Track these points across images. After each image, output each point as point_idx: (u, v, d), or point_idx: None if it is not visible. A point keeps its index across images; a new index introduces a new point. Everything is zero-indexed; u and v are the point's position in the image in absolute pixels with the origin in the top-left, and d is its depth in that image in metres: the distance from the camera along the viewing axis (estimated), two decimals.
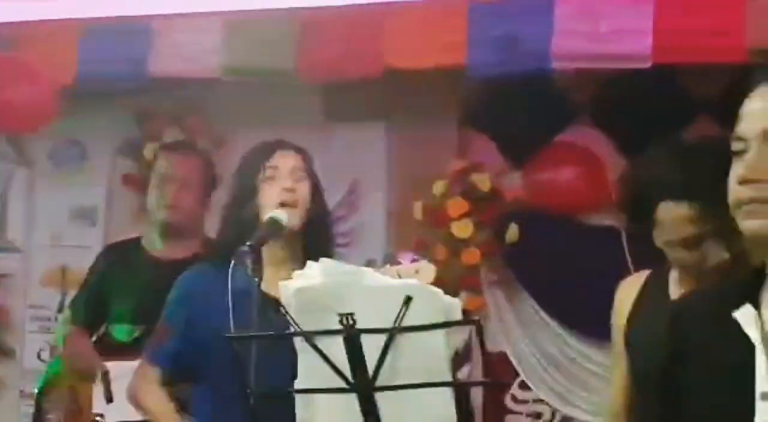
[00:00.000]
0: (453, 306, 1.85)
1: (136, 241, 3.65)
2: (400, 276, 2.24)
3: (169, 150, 3.71)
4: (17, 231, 4.96)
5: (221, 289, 2.40)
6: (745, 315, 1.48)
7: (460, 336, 1.86)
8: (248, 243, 2.29)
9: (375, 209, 4.58)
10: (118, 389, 3.39)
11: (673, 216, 2.46)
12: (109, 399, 3.41)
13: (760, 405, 1.41)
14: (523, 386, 4.41)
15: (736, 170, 1.49)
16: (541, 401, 4.36)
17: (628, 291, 2.72)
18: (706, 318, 1.57)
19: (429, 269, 2.47)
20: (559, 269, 4.31)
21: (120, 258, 3.61)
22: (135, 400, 2.77)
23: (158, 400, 2.72)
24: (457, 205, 4.38)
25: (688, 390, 1.56)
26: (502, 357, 4.43)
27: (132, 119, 4.78)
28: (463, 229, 4.37)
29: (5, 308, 4.90)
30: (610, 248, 4.09)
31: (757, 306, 1.49)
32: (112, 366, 3.44)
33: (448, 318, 1.83)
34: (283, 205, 2.59)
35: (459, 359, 4.10)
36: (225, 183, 3.00)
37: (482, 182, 4.40)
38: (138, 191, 4.78)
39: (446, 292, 1.96)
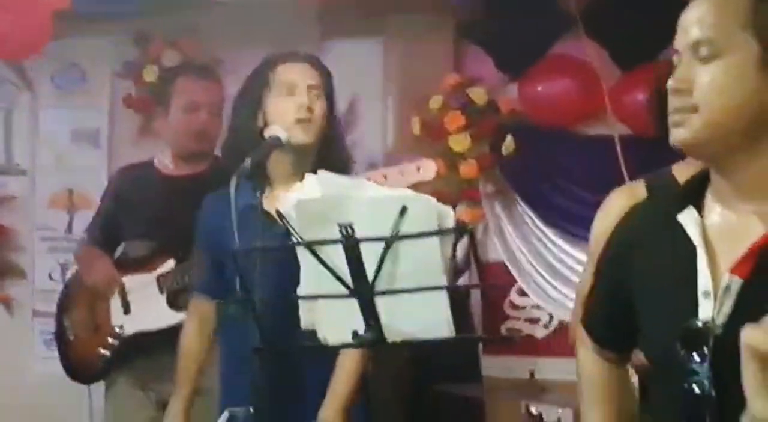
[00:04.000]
0: (446, 214, 1.93)
1: (149, 163, 3.70)
2: (402, 174, 2.31)
3: (192, 75, 3.68)
4: (23, 155, 5.02)
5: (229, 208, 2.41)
6: (688, 218, 1.54)
7: (452, 242, 1.93)
8: (248, 160, 2.35)
9: (373, 125, 4.63)
10: (134, 301, 3.52)
11: None
12: (127, 310, 3.51)
13: (702, 301, 1.48)
14: (521, 293, 4.52)
15: (669, 80, 1.53)
16: (538, 307, 4.48)
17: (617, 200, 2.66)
18: (654, 221, 1.62)
19: (430, 166, 2.48)
20: (555, 179, 4.40)
21: (133, 179, 3.67)
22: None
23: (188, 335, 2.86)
24: (454, 119, 4.43)
25: (638, 290, 1.62)
26: (501, 266, 4.54)
27: (130, 41, 4.82)
28: (460, 143, 4.43)
29: (14, 229, 4.98)
30: (605, 158, 4.16)
31: (699, 210, 1.55)
32: (127, 279, 3.53)
33: (442, 225, 1.91)
34: (299, 122, 2.58)
35: (459, 267, 4.21)
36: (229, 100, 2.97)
37: (479, 95, 4.45)
38: (140, 112, 4.84)
39: (445, 205, 2.03)
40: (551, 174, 4.42)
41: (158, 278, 3.46)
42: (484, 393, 4.10)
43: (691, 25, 1.53)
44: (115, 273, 3.53)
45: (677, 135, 1.52)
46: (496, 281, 4.48)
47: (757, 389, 1.18)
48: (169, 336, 3.07)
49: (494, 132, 4.45)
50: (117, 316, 3.54)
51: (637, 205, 1.76)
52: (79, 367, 3.64)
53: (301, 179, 2.13)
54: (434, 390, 3.93)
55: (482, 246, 4.62)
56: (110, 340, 3.53)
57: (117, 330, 3.52)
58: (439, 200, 2.00)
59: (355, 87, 4.53)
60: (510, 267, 4.51)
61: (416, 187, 2.37)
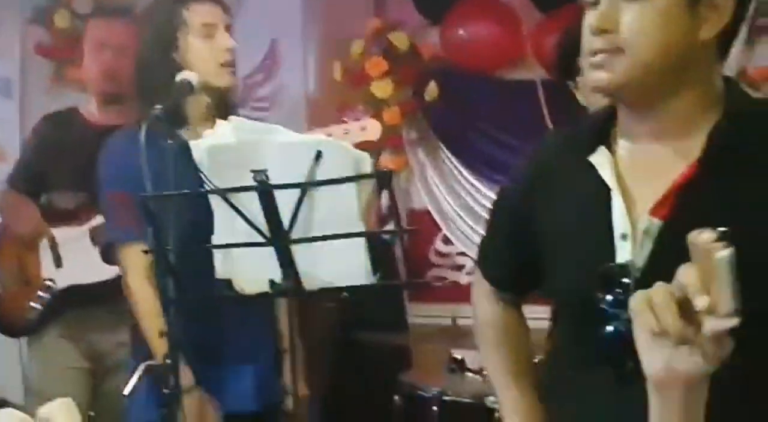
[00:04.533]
0: (362, 160, 1.89)
1: (73, 110, 3.59)
2: (347, 133, 2.25)
3: (102, 17, 3.58)
4: None
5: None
6: (600, 159, 1.50)
7: (370, 188, 1.89)
8: (159, 106, 2.26)
9: (294, 71, 4.55)
10: (66, 254, 3.43)
11: None
12: (59, 264, 3.43)
13: (619, 244, 1.45)
14: (446, 240, 4.51)
15: (589, 19, 1.47)
16: (463, 254, 4.48)
17: None
18: (563, 162, 1.58)
19: (375, 126, 2.46)
20: (478, 124, 4.38)
21: (56, 127, 3.55)
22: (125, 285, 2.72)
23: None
24: (375, 64, 4.38)
25: (546, 232, 1.58)
26: (426, 213, 4.52)
27: None
28: (383, 88, 4.39)
29: None
30: (527, 102, 4.15)
31: (610, 149, 1.51)
32: (57, 232, 3.44)
33: (358, 171, 1.87)
34: (223, 65, 2.52)
35: (385, 216, 4.19)
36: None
37: (400, 40, 4.39)
38: (53, 60, 4.69)
39: (369, 152, 1.99)
40: (474, 119, 4.40)
41: (90, 231, 3.37)
42: (410, 341, 4.11)
43: None
44: (42, 221, 3.43)
45: (599, 78, 1.46)
46: (421, 228, 4.46)
47: (643, 347, 1.17)
48: (103, 289, 3.05)
49: (417, 78, 4.41)
50: (48, 270, 3.45)
51: (544, 148, 1.71)
52: (9, 321, 3.56)
53: (170, 134, 2.08)
54: (360, 339, 3.92)
55: (406, 194, 4.61)
56: (41, 294, 3.45)
57: (48, 283, 3.43)
58: (362, 147, 1.96)
59: (274, 30, 4.45)
60: (435, 214, 4.50)
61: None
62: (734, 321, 1.09)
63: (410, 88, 4.44)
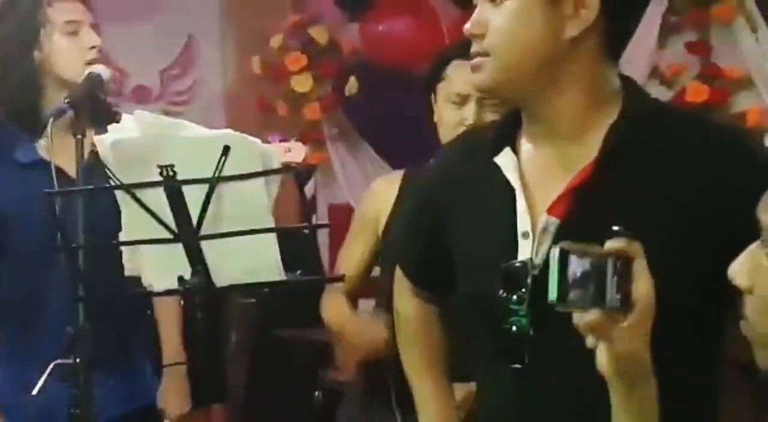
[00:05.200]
0: (271, 154, 1.87)
1: None
2: None
3: None
4: None
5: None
6: (504, 160, 1.53)
7: (278, 183, 1.88)
8: (67, 100, 2.21)
9: (212, 65, 4.52)
10: None
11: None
12: None
13: (521, 242, 1.47)
14: None
15: (466, 25, 1.51)
16: None
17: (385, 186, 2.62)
18: (470, 164, 1.60)
19: (300, 149, 2.56)
20: (397, 119, 4.39)
21: None
22: None
23: None
24: (295, 59, 4.37)
25: (455, 233, 1.61)
26: (348, 208, 4.51)
27: None
28: (302, 83, 4.38)
29: None
30: None
31: (515, 151, 1.53)
32: None
33: (266, 166, 1.84)
34: (89, 64, 2.44)
35: (307, 209, 4.18)
36: None
37: (320, 34, 4.39)
38: None
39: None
40: (394, 115, 4.40)
41: None
42: (330, 337, 4.10)
43: None
44: None
45: (475, 80, 1.51)
46: (342, 225, 4.45)
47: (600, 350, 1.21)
48: None
49: (337, 73, 4.41)
50: None
51: (451, 152, 1.74)
52: None
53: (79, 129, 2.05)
54: (279, 335, 3.90)
55: (328, 188, 4.60)
56: None
57: None
58: (282, 143, 1.95)
59: (191, 26, 4.40)
60: (356, 209, 4.49)
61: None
62: (588, 315, 1.16)
63: (330, 83, 4.43)
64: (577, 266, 1.14)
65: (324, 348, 4.11)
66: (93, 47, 2.48)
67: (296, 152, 2.54)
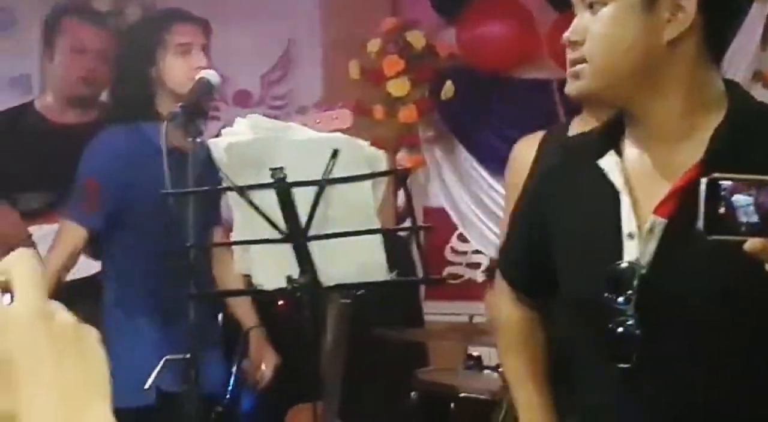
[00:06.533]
0: (377, 157, 1.92)
1: (28, 105, 3.54)
2: (319, 122, 2.30)
3: (77, 17, 3.52)
4: None
5: (144, 148, 2.60)
6: (608, 163, 1.54)
7: (384, 186, 1.93)
8: (181, 104, 2.33)
9: (311, 70, 4.59)
10: (42, 252, 3.43)
11: None
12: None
13: (627, 243, 1.49)
14: (462, 238, 4.53)
15: (565, 33, 1.53)
16: (478, 252, 4.50)
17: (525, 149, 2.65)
18: (574, 167, 1.62)
19: (346, 114, 2.56)
20: (494, 123, 4.40)
21: (12, 125, 3.50)
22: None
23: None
24: (392, 63, 4.41)
25: (559, 236, 1.62)
26: (442, 211, 4.54)
27: None
28: (399, 87, 4.42)
29: None
30: (543, 101, 4.17)
31: (619, 153, 1.55)
32: (33, 229, 3.40)
33: (373, 168, 1.90)
34: (192, 80, 2.66)
35: (401, 213, 4.21)
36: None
37: (416, 39, 4.42)
38: None
39: (386, 151, 2.02)
40: (490, 118, 4.42)
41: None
42: (426, 338, 4.13)
43: None
44: (20, 220, 3.40)
45: (572, 86, 1.53)
46: (436, 227, 4.48)
47: None
48: (85, 285, 3.07)
49: (433, 76, 4.43)
50: None
51: (554, 153, 1.76)
52: None
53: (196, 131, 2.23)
54: (376, 334, 3.94)
55: (423, 192, 4.63)
56: None
57: None
58: (378, 145, 1.99)
59: (291, 32, 4.48)
60: (451, 213, 4.52)
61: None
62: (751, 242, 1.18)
63: (426, 86, 4.46)
64: (727, 195, 1.18)
65: (420, 348, 4.15)
66: (199, 67, 2.75)
67: (342, 118, 2.54)
